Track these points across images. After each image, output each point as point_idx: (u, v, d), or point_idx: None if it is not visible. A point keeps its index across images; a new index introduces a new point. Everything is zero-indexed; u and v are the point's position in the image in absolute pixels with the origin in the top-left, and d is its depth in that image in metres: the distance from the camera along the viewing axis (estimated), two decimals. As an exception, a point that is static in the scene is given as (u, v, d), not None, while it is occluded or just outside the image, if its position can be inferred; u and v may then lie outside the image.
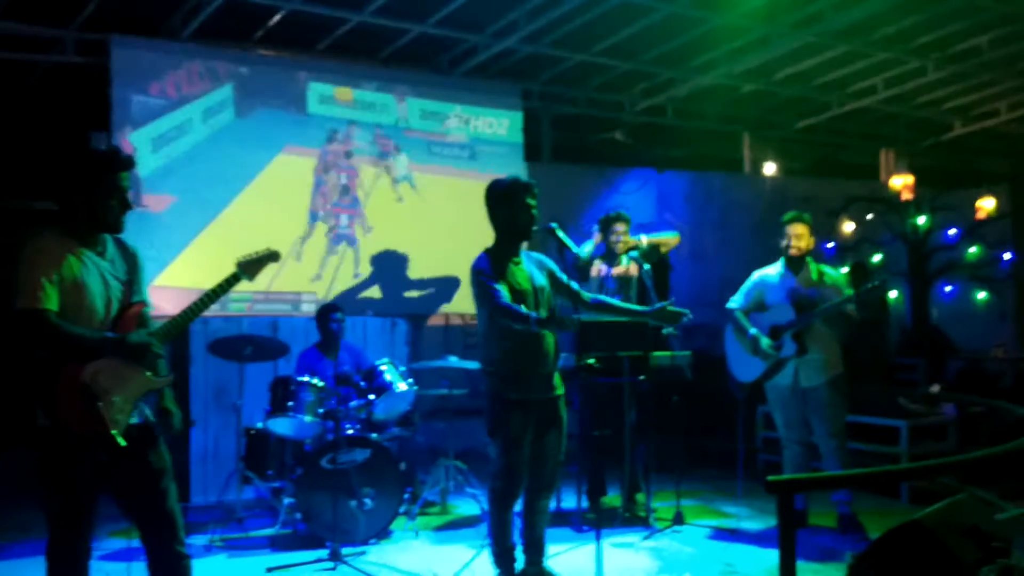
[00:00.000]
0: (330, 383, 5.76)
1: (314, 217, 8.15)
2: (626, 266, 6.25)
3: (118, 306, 3.33)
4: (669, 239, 6.73)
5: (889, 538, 3.42)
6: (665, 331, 5.76)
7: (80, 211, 3.26)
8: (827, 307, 5.34)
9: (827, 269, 5.71)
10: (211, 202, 7.68)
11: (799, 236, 5.56)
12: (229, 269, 3.59)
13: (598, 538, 4.10)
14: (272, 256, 3.73)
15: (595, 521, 4.26)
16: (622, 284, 6.22)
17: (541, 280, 4.33)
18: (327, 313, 6.32)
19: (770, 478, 2.78)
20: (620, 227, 6.29)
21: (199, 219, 7.57)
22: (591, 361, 4.33)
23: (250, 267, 3.64)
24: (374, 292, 8.36)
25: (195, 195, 7.59)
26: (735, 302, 5.78)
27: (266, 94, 8.08)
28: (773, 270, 5.70)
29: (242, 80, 7.99)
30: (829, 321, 5.45)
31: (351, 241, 8.31)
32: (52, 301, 3.13)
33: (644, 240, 6.43)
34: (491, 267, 4.25)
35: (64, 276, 3.17)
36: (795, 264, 5.60)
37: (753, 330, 5.58)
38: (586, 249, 6.34)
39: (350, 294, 8.12)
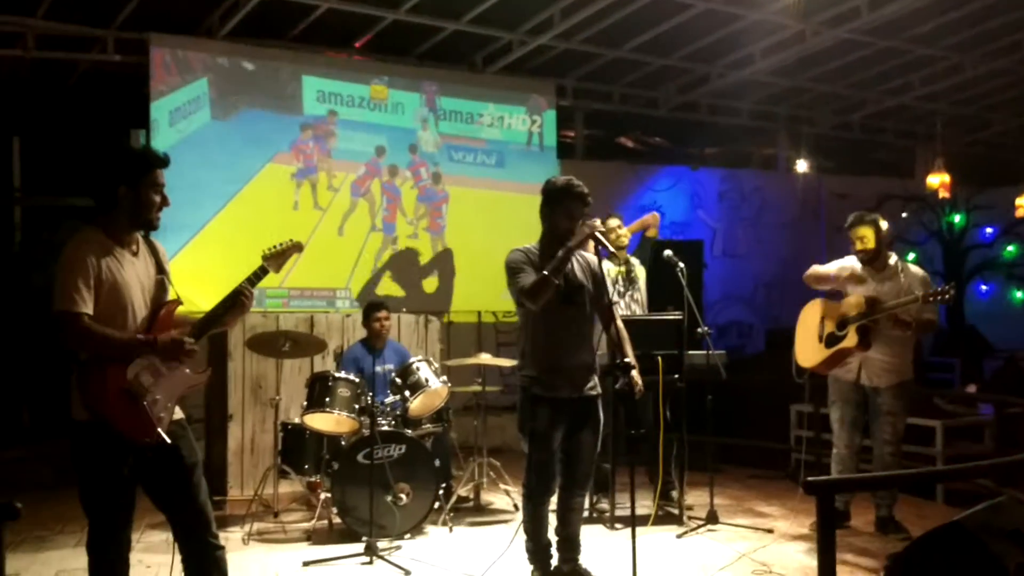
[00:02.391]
0: (377, 381, 5.79)
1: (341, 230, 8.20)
2: (619, 268, 6.18)
3: (152, 305, 3.39)
4: (647, 219, 6.54)
5: (928, 540, 3.40)
6: (700, 329, 5.75)
7: (122, 207, 3.30)
8: (892, 305, 5.25)
9: (912, 266, 5.62)
10: (187, 222, 7.34)
11: (863, 238, 5.50)
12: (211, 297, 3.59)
13: (633, 536, 4.11)
14: (296, 247, 3.75)
15: (633, 521, 4.26)
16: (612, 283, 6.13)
17: (580, 280, 4.34)
18: (372, 311, 6.33)
19: (809, 479, 2.79)
20: (613, 223, 6.21)
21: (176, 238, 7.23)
22: (627, 360, 4.30)
23: (275, 260, 3.67)
24: (406, 290, 8.43)
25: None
26: (822, 266, 5.74)
27: (257, 93, 7.84)
28: (857, 263, 5.61)
29: (225, 77, 7.76)
30: (905, 324, 5.28)
31: (385, 241, 8.38)
32: (87, 304, 3.17)
33: (625, 231, 6.28)
34: (527, 258, 4.26)
35: (102, 278, 3.21)
36: (871, 263, 5.52)
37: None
38: None
39: (382, 292, 8.20)
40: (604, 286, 4.39)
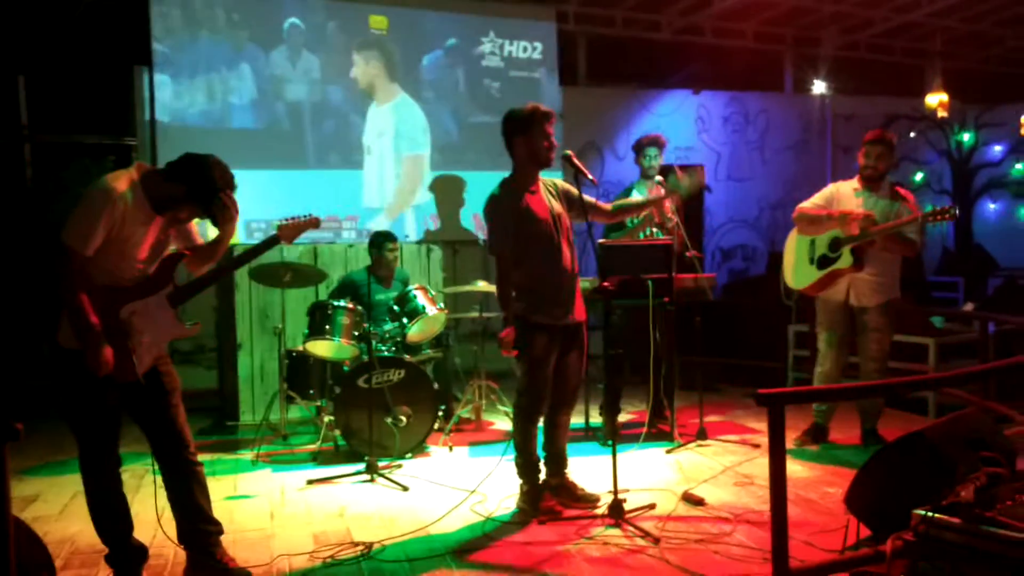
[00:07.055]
0: (382, 308, 5.95)
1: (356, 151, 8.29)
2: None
3: (162, 251, 3.57)
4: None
5: (891, 448, 3.58)
6: (688, 253, 5.86)
7: (177, 198, 3.44)
8: (891, 225, 5.33)
9: (903, 190, 5.68)
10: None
11: (879, 156, 5.53)
12: None
13: (614, 452, 4.31)
14: (312, 223, 3.93)
15: (613, 435, 4.47)
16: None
17: (558, 207, 4.48)
18: (381, 242, 6.44)
19: (760, 391, 2.92)
20: (653, 151, 6.31)
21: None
22: (604, 284, 4.47)
23: (289, 231, 3.87)
24: (411, 220, 8.56)
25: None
26: (806, 202, 5.71)
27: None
28: (848, 185, 5.68)
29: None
30: (892, 242, 5.39)
31: (386, 173, 8.48)
32: (89, 247, 3.29)
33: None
34: (505, 204, 4.40)
35: (115, 220, 3.31)
36: (872, 183, 5.58)
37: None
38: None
39: (388, 223, 8.35)
40: (577, 195, 4.54)
